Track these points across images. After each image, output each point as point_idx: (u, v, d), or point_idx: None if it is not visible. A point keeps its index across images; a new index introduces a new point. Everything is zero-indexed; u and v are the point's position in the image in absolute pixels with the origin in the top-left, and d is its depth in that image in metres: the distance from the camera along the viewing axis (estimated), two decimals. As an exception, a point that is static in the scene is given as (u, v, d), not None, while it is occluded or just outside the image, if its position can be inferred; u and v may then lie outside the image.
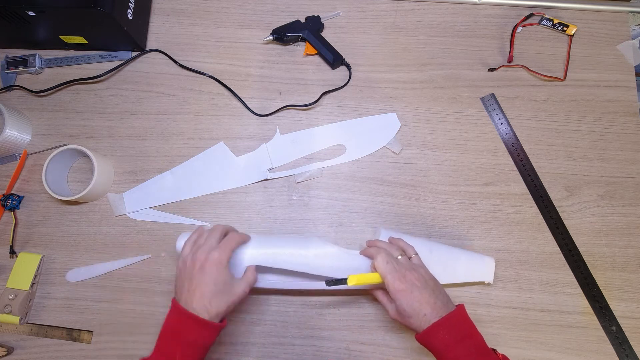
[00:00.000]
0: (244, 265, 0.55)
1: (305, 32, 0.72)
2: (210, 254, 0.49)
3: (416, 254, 0.56)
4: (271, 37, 0.73)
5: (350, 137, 0.69)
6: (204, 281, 0.48)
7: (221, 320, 0.50)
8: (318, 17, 0.74)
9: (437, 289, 0.52)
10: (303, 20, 0.73)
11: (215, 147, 0.70)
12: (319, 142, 0.70)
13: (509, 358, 0.49)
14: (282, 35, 0.72)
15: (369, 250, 0.56)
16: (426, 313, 0.48)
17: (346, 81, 0.72)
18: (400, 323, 0.52)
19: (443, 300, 0.50)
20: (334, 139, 0.70)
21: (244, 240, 0.55)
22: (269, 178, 0.68)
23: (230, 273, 0.51)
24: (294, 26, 0.73)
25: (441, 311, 0.49)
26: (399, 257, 0.54)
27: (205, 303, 0.48)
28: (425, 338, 0.49)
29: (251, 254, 0.56)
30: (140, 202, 0.68)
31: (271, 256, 0.56)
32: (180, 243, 0.56)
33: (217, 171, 0.68)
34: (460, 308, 0.50)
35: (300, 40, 0.74)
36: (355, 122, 0.70)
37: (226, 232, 0.54)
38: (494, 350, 0.49)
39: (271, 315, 0.64)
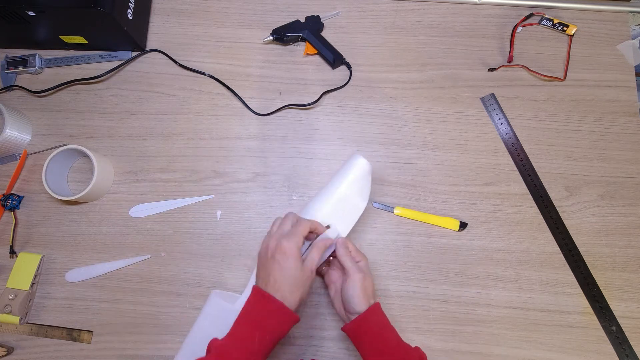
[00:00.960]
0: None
1: (305, 32, 0.72)
2: (280, 242, 0.51)
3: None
4: (271, 37, 0.73)
5: (331, 215, 0.58)
6: (275, 269, 0.50)
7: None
8: (318, 17, 0.74)
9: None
10: (303, 20, 0.73)
11: (211, 302, 0.61)
12: None
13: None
14: (282, 35, 0.72)
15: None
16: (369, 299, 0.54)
17: (346, 81, 0.72)
18: (338, 300, 0.56)
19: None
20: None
21: (315, 226, 0.55)
22: None
23: (301, 260, 0.51)
24: (294, 26, 0.73)
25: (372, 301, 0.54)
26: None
27: (277, 288, 0.49)
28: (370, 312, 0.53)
29: None
30: None
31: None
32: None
33: (222, 324, 0.56)
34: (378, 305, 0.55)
35: (300, 40, 0.74)
36: (328, 195, 0.59)
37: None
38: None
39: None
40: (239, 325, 0.49)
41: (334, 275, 0.58)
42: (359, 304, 0.52)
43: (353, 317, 0.53)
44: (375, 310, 0.53)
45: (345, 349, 0.63)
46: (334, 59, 0.71)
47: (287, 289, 0.49)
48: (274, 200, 0.69)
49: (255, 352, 0.47)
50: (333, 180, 0.59)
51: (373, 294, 0.55)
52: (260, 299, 0.49)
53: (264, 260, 0.52)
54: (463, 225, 0.66)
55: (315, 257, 0.53)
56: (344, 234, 0.58)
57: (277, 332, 0.48)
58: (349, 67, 0.72)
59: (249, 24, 0.76)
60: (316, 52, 0.73)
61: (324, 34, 0.74)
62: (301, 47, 0.74)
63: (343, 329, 0.54)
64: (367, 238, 0.67)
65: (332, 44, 0.73)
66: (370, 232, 0.67)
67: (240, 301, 0.60)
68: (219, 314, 0.59)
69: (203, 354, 0.49)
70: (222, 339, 0.48)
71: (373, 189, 0.68)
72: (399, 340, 0.53)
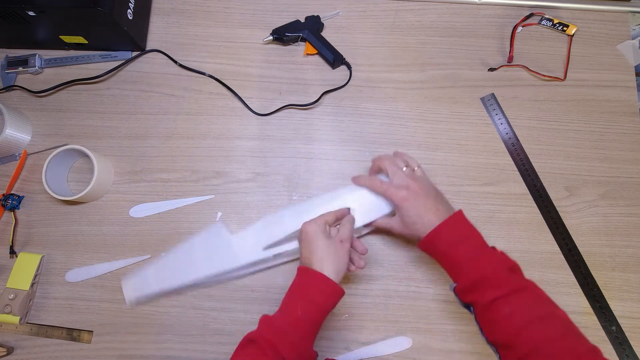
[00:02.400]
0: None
1: (305, 32, 0.72)
2: (303, 226, 0.54)
3: (419, 166, 0.59)
4: (271, 37, 0.73)
5: (356, 201, 0.60)
6: (305, 248, 0.53)
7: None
8: (318, 17, 0.74)
9: (439, 196, 0.55)
10: (303, 20, 0.73)
11: (213, 229, 0.64)
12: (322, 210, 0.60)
13: (507, 254, 0.50)
14: (282, 35, 0.72)
15: (376, 162, 0.60)
16: (430, 218, 0.52)
17: (346, 81, 0.72)
18: (406, 236, 0.56)
19: (445, 207, 0.54)
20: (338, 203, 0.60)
21: (342, 214, 0.57)
22: (264, 258, 0.61)
23: (327, 236, 0.53)
24: (294, 26, 0.73)
25: (443, 215, 0.52)
26: (403, 168, 0.57)
27: (312, 262, 0.51)
28: (430, 240, 0.52)
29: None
30: (139, 289, 0.64)
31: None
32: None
33: (214, 253, 0.63)
34: (459, 212, 0.53)
35: (300, 40, 0.74)
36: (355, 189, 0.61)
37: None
38: (494, 248, 0.51)
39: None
40: (285, 299, 0.52)
41: (383, 221, 0.59)
42: (423, 229, 0.52)
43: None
44: (445, 226, 0.51)
45: (345, 348, 0.63)
46: (334, 59, 0.71)
47: (322, 262, 0.51)
48: (274, 200, 0.69)
49: (299, 318, 0.49)
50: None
51: (437, 206, 0.52)
52: (302, 273, 0.52)
53: (300, 244, 0.55)
54: None
55: (344, 230, 0.55)
56: (355, 225, 0.59)
57: (321, 301, 0.50)
58: (349, 67, 0.72)
59: (249, 24, 0.76)
60: (316, 52, 0.73)
61: (324, 34, 0.74)
62: (301, 47, 0.74)
63: (422, 245, 0.54)
64: (367, 238, 0.67)
65: (332, 44, 0.73)
66: (370, 232, 0.67)
67: (241, 234, 0.62)
68: (215, 239, 0.63)
69: (179, 270, 0.60)
70: (273, 314, 0.51)
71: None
72: (484, 244, 0.51)
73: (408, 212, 0.53)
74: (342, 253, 0.53)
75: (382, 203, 0.59)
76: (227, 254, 0.62)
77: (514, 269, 0.49)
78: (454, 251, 0.50)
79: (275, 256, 0.62)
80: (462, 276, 0.49)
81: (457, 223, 0.52)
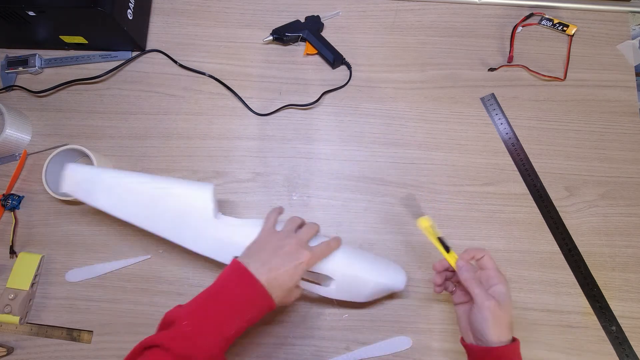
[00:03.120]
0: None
1: (305, 32, 0.72)
2: (302, 251, 0.50)
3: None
4: (271, 37, 0.73)
5: (342, 276, 0.55)
6: (283, 265, 0.48)
7: None
8: (318, 17, 0.74)
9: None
10: (303, 20, 0.74)
11: (199, 199, 0.54)
12: None
13: None
14: (282, 35, 0.72)
15: (466, 278, 0.50)
16: (503, 332, 0.46)
17: (346, 81, 0.72)
18: (465, 324, 0.50)
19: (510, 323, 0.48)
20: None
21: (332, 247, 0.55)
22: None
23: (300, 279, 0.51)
24: (294, 26, 0.73)
25: (509, 334, 0.47)
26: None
27: (273, 282, 0.47)
28: (488, 353, 0.47)
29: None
30: (82, 189, 0.54)
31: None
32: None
33: (188, 226, 0.54)
34: (518, 343, 0.47)
35: (300, 40, 0.74)
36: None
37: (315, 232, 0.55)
38: None
39: (271, 315, 0.64)
40: (215, 304, 0.46)
41: (460, 297, 0.53)
42: (491, 335, 0.45)
43: (480, 343, 0.47)
44: (513, 351, 0.46)
45: (345, 348, 0.63)
46: (334, 59, 0.72)
47: (279, 288, 0.48)
48: (274, 200, 0.69)
49: (230, 338, 0.44)
50: (372, 266, 0.57)
51: (509, 325, 0.47)
52: (248, 282, 0.46)
53: (274, 249, 0.49)
54: None
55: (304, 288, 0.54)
56: (327, 294, 0.57)
57: (254, 320, 0.47)
58: (349, 67, 0.72)
59: (249, 24, 0.76)
60: (316, 52, 0.73)
61: (324, 34, 0.74)
62: (301, 47, 0.74)
63: (465, 345, 0.49)
64: (367, 238, 0.67)
65: (332, 44, 0.73)
66: (370, 232, 0.67)
67: (229, 224, 0.55)
68: (198, 216, 0.54)
69: (138, 210, 0.51)
70: (189, 313, 0.44)
71: (373, 189, 0.68)
72: None
73: (485, 315, 0.46)
74: (292, 300, 0.52)
75: (362, 291, 0.56)
76: (200, 236, 0.54)
77: None
78: None
79: None
80: None
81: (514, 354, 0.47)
